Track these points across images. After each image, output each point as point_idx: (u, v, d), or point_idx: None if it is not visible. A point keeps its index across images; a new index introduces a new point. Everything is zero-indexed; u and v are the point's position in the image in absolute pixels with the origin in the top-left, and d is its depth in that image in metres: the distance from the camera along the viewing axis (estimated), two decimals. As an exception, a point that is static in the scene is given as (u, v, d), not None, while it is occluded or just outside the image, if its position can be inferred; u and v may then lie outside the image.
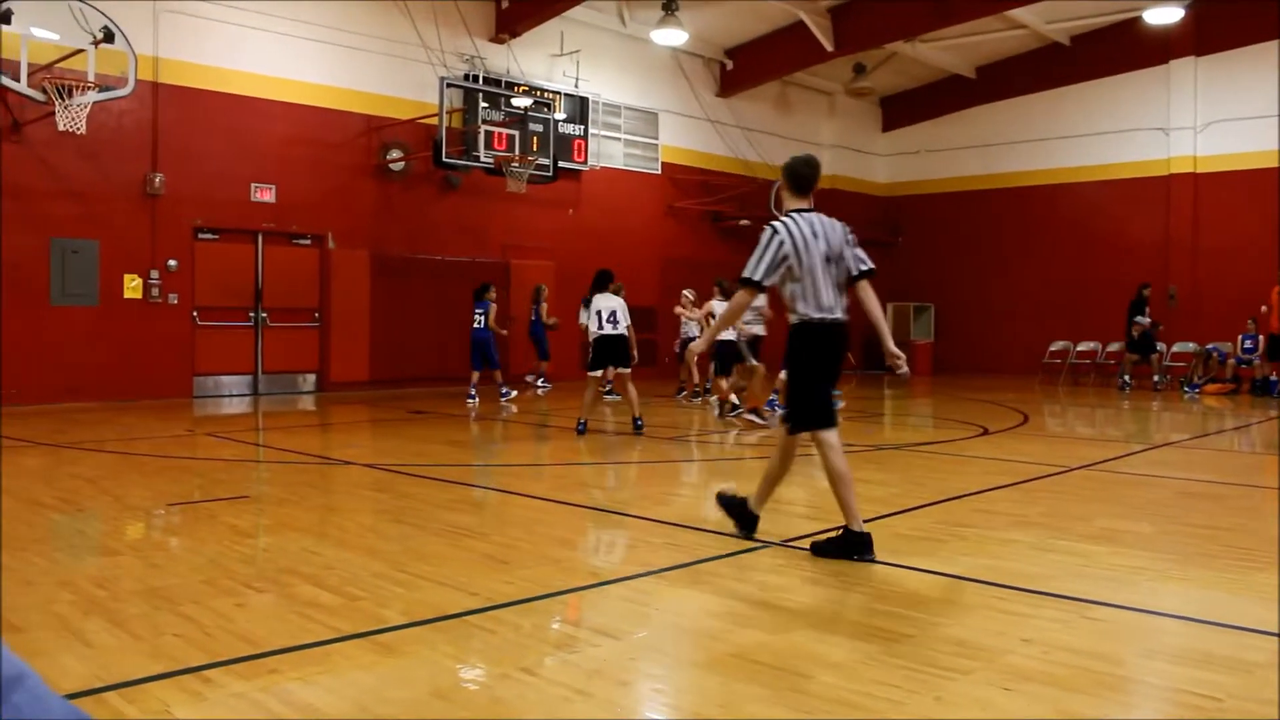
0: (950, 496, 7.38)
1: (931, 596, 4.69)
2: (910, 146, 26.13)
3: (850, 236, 5.68)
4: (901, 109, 26.17)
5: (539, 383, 17.42)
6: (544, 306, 16.85)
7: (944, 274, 25.16)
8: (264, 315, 15.90)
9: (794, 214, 5.59)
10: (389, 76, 16.99)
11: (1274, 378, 18.16)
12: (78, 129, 12.78)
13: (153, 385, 14.60)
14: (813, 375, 5.59)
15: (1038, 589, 4.81)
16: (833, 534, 5.49)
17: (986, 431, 12.02)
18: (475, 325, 14.94)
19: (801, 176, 5.80)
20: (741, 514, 5.79)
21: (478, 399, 14.78)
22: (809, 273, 5.43)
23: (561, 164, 18.55)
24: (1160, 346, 19.83)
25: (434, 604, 4.42)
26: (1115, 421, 14.05)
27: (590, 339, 11.49)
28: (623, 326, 11.35)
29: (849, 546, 5.34)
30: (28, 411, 12.76)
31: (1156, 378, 19.48)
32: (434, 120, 16.53)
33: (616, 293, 11.74)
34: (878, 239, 25.79)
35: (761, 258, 5.44)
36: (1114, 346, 20.89)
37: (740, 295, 5.56)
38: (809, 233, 5.47)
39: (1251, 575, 5.22)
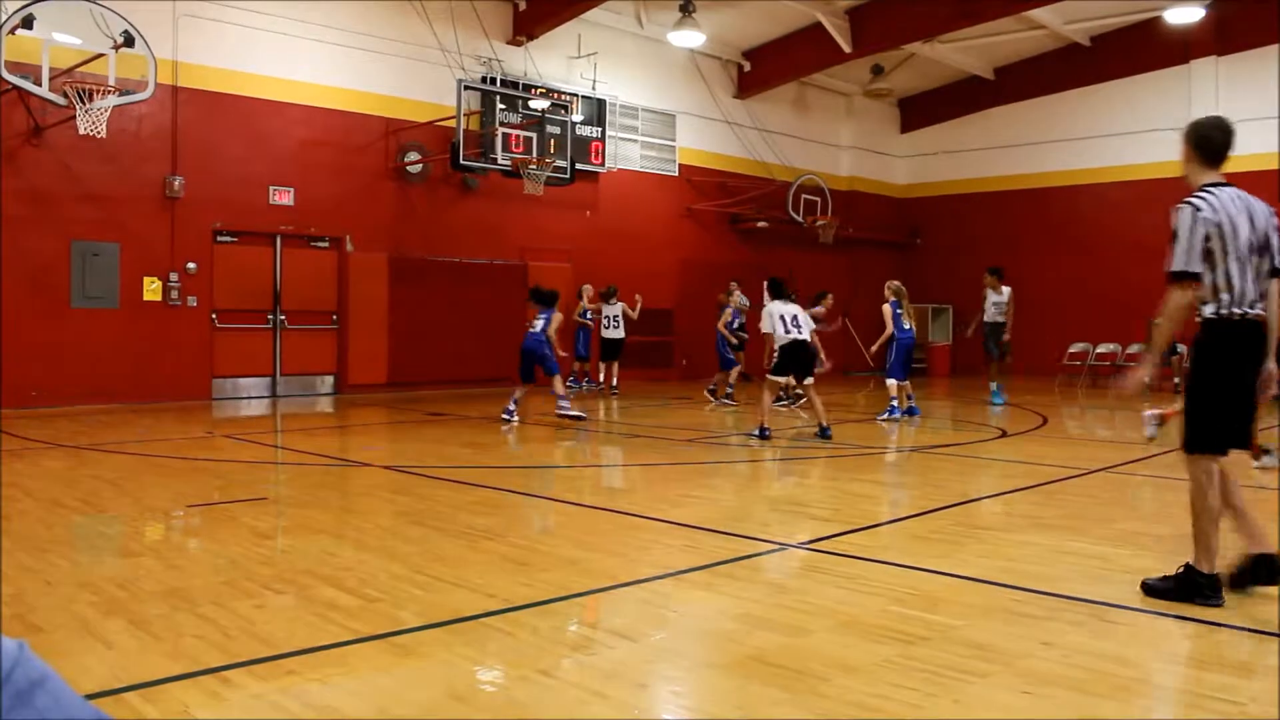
0: (969, 499, 7.36)
1: (949, 599, 4.67)
2: (929, 148, 26.03)
3: (1275, 221, 4.75)
4: (920, 110, 26.08)
5: (585, 384, 17.88)
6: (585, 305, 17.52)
7: (962, 275, 24.97)
8: (282, 318, 15.96)
9: (1210, 189, 4.65)
10: (407, 79, 17.04)
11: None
12: (98, 133, 12.86)
13: (172, 387, 14.68)
14: (1227, 382, 4.68)
15: (1056, 592, 4.79)
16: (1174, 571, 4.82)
17: (1005, 434, 11.97)
18: (531, 330, 12.89)
19: (1213, 143, 4.77)
20: (1191, 586, 4.67)
21: (516, 418, 12.62)
22: (1233, 259, 4.56)
23: (579, 166, 18.55)
24: (1180, 348, 19.69)
25: (452, 606, 4.42)
26: (1135, 424, 13.95)
27: (776, 345, 11.13)
28: (806, 331, 11.09)
29: (1190, 588, 4.64)
30: (49, 413, 12.85)
31: (1176, 380, 19.33)
32: (452, 123, 16.56)
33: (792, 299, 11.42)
34: (896, 240, 25.77)
35: (1189, 244, 4.53)
36: (1134, 348, 20.76)
37: (1175, 295, 4.61)
38: (1234, 211, 4.58)
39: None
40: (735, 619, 4.33)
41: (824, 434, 10.86)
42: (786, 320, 11.05)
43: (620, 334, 17.52)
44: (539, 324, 12.80)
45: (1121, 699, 3.49)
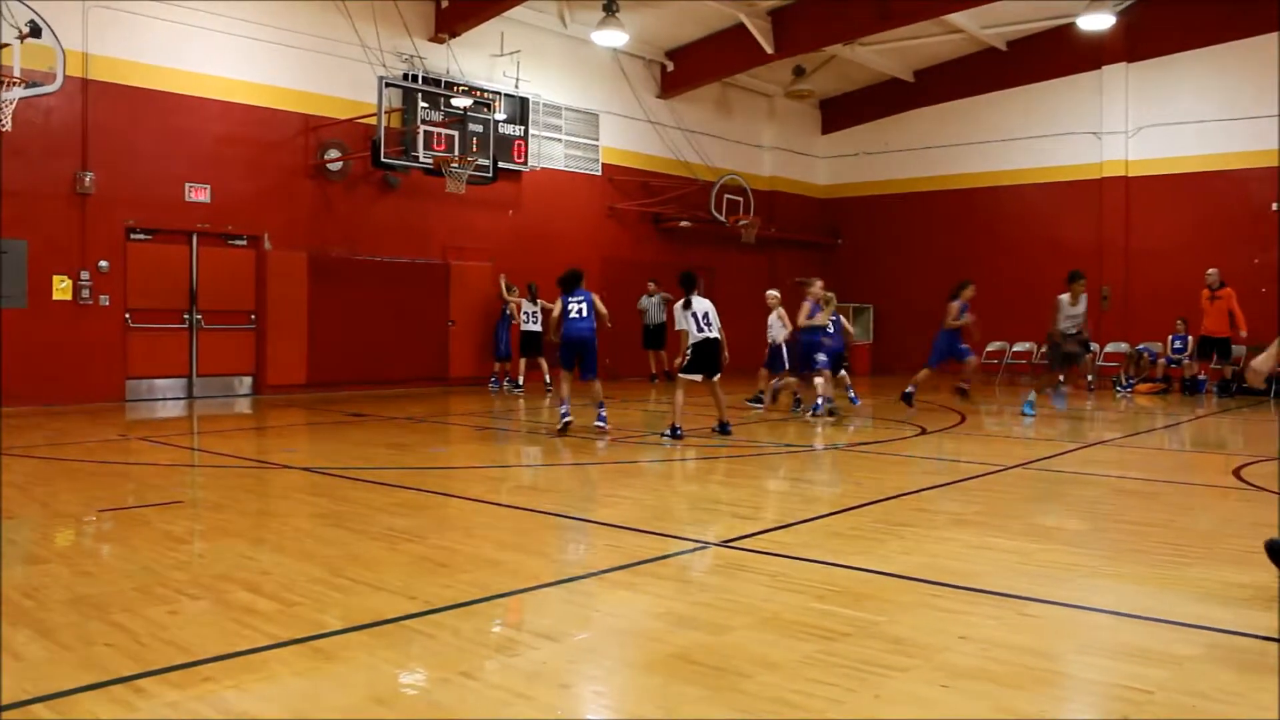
0: (889, 496, 7.45)
1: (870, 595, 4.73)
2: (850, 149, 26.35)
3: None
4: (841, 111, 26.40)
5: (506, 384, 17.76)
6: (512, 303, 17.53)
7: (883, 275, 25.41)
8: (199, 317, 15.64)
9: None
10: (327, 76, 16.80)
11: (1202, 377, 18.56)
12: (2, 125, 12.49)
13: (84, 389, 14.31)
14: None
15: (974, 586, 4.87)
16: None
17: (925, 431, 12.15)
18: (576, 316, 11.44)
19: None
20: None
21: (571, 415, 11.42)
22: None
23: (501, 165, 18.46)
24: (1094, 347, 20.19)
25: (372, 609, 4.37)
26: (1050, 421, 14.27)
27: (690, 343, 11.07)
28: (716, 329, 11.03)
29: None
30: (-47, 416, 12.45)
31: (1089, 378, 19.84)
32: (373, 120, 16.38)
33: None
34: (817, 240, 26.03)
35: None
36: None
37: None
38: None
39: (1182, 570, 5.32)
40: (658, 618, 4.33)
41: (724, 430, 11.09)
42: (699, 318, 11.04)
43: (537, 328, 17.40)
44: (580, 308, 11.38)
45: (1037, 690, 3.56)
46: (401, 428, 12.21)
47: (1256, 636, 4.18)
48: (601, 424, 11.28)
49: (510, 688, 3.48)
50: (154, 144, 14.95)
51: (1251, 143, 20.51)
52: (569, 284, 11.62)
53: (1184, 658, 3.89)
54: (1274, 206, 20.32)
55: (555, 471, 9.15)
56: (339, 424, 12.65)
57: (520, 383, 17.79)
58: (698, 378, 11.06)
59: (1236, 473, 8.90)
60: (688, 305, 11.13)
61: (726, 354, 11.30)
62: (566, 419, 11.10)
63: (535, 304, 17.37)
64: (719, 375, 11.27)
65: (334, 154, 16.88)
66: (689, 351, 11.12)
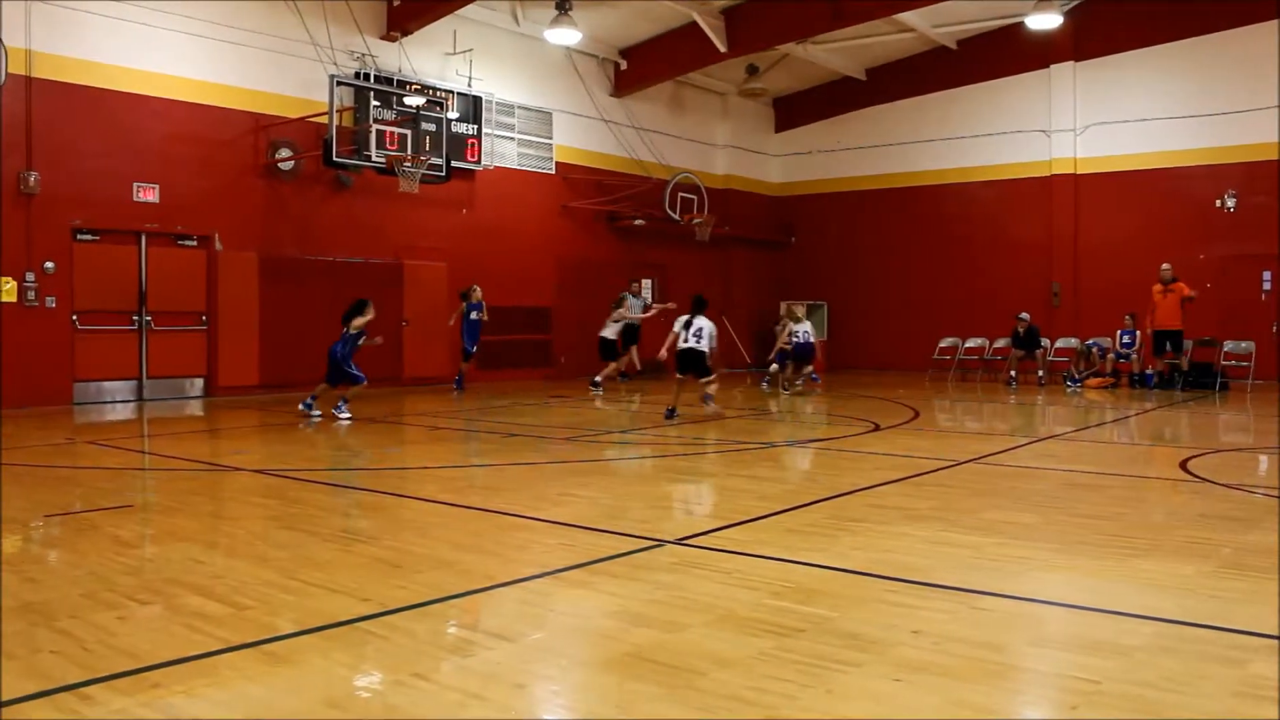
0: (842, 492, 7.49)
1: (824, 591, 4.76)
2: (803, 147, 26.49)
3: None
4: (794, 110, 26.53)
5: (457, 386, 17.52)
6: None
7: (836, 273, 25.57)
8: (148, 319, 15.43)
9: None
10: (277, 74, 16.64)
11: (1150, 371, 18.85)
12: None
13: (30, 393, 14.07)
14: None
15: (927, 581, 4.92)
16: None
17: (878, 427, 12.24)
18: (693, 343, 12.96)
19: None
20: None
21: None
22: None
23: (455, 164, 18.38)
24: (1044, 342, 20.46)
25: (325, 611, 4.33)
26: (1002, 416, 14.43)
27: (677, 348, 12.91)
28: (706, 342, 12.82)
29: None
30: (-105, 421, 12.20)
31: (1040, 373, 20.09)
32: (324, 119, 16.24)
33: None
34: (771, 239, 26.15)
35: None
36: (1001, 343, 21.45)
37: None
38: None
39: (1131, 562, 5.41)
40: (613, 616, 4.34)
41: (670, 415, 12.69)
42: (689, 330, 12.83)
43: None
44: (701, 328, 12.93)
45: (989, 683, 3.60)
46: (355, 429, 12.12)
47: (1202, 626, 4.26)
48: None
49: (465, 689, 3.46)
50: (100, 143, 14.74)
51: (1196, 140, 20.88)
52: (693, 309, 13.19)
53: (1131, 648, 3.95)
54: (1217, 203, 20.68)
55: (510, 471, 9.11)
56: (292, 425, 12.53)
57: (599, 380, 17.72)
58: (679, 376, 13.13)
59: (1183, 465, 9.05)
60: (688, 324, 12.92)
61: (709, 363, 13.05)
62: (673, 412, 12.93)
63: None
64: (703, 376, 12.91)
65: (285, 153, 16.72)
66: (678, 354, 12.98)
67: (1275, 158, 19.96)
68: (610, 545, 5.68)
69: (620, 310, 18.58)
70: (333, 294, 17.00)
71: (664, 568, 5.20)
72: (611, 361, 18.03)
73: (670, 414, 12.74)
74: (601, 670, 3.75)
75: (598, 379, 17.37)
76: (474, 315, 17.23)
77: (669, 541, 5.74)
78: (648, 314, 19.37)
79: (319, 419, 12.80)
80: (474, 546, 5.81)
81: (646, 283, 21.07)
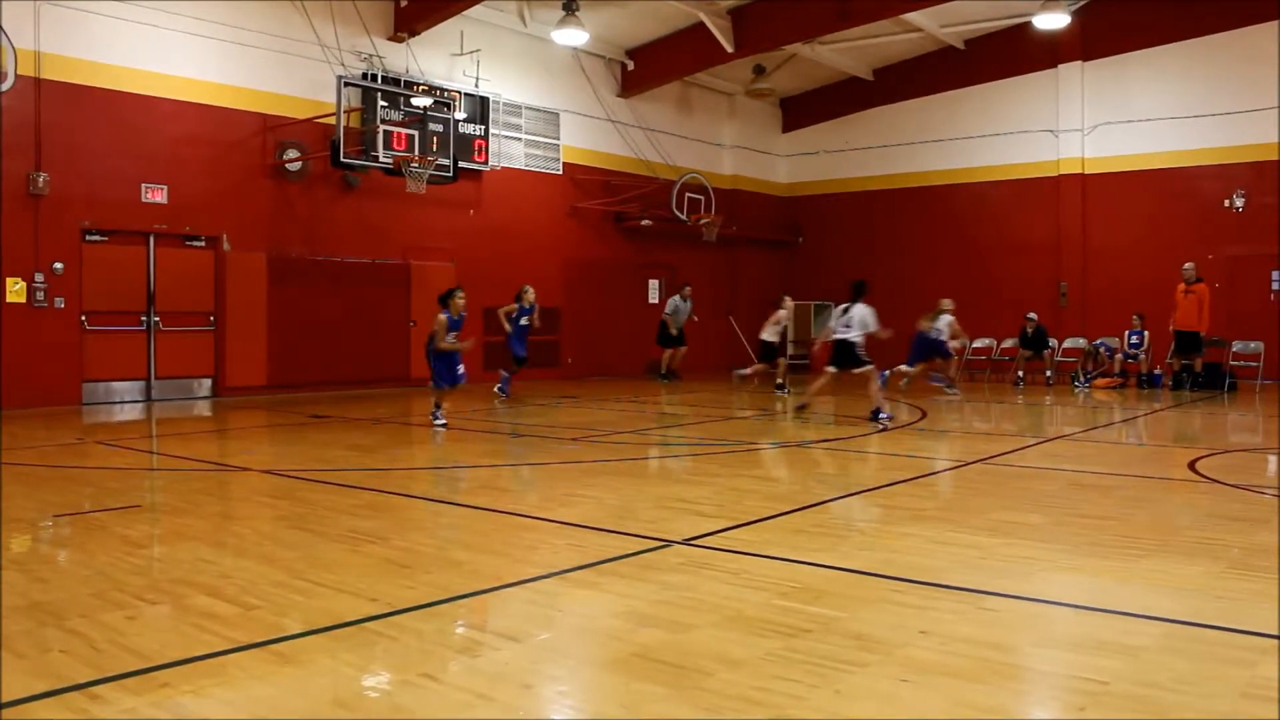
0: (850, 492, 7.49)
1: (831, 591, 4.76)
2: (810, 147, 26.46)
3: None
4: (801, 110, 26.50)
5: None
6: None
7: (844, 273, 25.40)
8: (156, 319, 15.48)
9: None
10: (285, 75, 16.67)
11: (1158, 371, 18.80)
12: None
13: (40, 393, 14.12)
14: None
15: (934, 581, 4.91)
16: None
17: (886, 428, 12.22)
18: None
19: None
20: None
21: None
22: None
23: (462, 164, 18.40)
24: (1052, 343, 20.44)
25: (334, 611, 4.34)
26: (1010, 416, 14.41)
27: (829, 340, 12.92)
28: (854, 332, 12.61)
29: None
30: (-95, 421, 12.24)
31: (1048, 373, 20.05)
32: (331, 120, 16.27)
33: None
34: (779, 239, 26.13)
35: None
36: (1009, 343, 21.42)
37: None
38: None
39: (1138, 562, 5.40)
40: (620, 617, 4.34)
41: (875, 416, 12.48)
42: (839, 321, 12.76)
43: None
44: (852, 316, 12.84)
45: (996, 683, 3.59)
46: (363, 429, 12.14)
47: (1209, 626, 4.25)
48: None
49: (473, 689, 3.47)
50: (109, 144, 14.78)
51: (1204, 140, 20.81)
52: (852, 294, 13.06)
53: (1139, 648, 3.95)
54: (1225, 203, 20.62)
55: (517, 471, 9.13)
56: (300, 425, 12.56)
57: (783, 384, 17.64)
58: (832, 370, 13.15)
59: (1191, 466, 9.03)
60: (845, 312, 12.75)
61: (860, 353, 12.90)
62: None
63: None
64: (857, 368, 12.81)
65: (293, 154, 16.75)
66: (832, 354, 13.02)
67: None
68: (618, 546, 5.69)
69: (781, 313, 17.92)
70: (340, 294, 17.09)
71: (671, 568, 5.20)
72: (777, 361, 17.90)
73: (875, 414, 12.49)
74: (608, 670, 3.75)
75: (780, 380, 17.52)
76: (524, 320, 16.20)
77: (676, 542, 5.75)
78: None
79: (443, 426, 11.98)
80: (482, 547, 5.82)
81: (688, 288, 21.00)
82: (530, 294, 16.37)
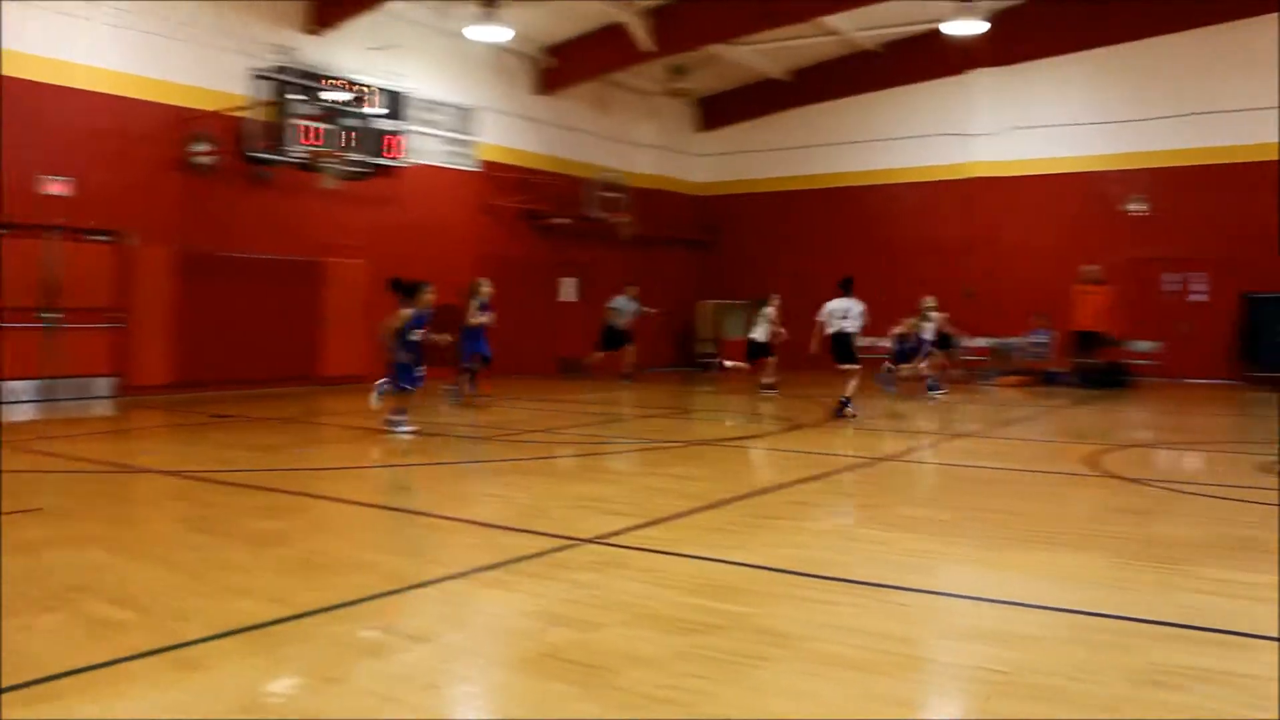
0: (761, 490, 7.56)
1: (741, 588, 4.80)
2: (727, 147, 26.64)
3: None
4: (719, 110, 26.65)
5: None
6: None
7: (760, 272, 25.71)
8: (57, 316, 15.03)
9: None
10: (196, 66, 16.28)
11: (1062, 370, 19.27)
12: None
13: (-67, 391, 13.63)
14: None
15: (842, 576, 4.99)
16: None
17: (799, 426, 12.35)
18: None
19: None
20: None
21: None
22: None
23: (377, 160, 18.15)
24: (959, 342, 20.81)
25: (238, 615, 4.26)
26: (919, 414, 14.66)
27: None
28: (852, 325, 12.87)
29: None
30: None
31: (956, 372, 20.42)
32: (243, 113, 15.95)
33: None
34: (695, 238, 26.25)
35: None
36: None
37: None
38: None
39: (1041, 555, 5.54)
40: (530, 616, 4.33)
41: (844, 407, 12.76)
42: (836, 315, 13.07)
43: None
44: (848, 310, 13.25)
45: (902, 675, 3.67)
46: (271, 428, 11.94)
47: (1106, 616, 4.38)
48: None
49: (380, 691, 3.43)
50: (8, 134, 14.30)
51: (1108, 146, 21.44)
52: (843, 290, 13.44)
53: (1039, 638, 4.06)
54: (1126, 207, 21.23)
55: (429, 471, 9.05)
56: (205, 425, 12.30)
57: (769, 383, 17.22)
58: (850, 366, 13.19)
59: (1091, 460, 9.27)
60: (837, 308, 13.06)
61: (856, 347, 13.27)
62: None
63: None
64: (846, 364, 13.10)
65: (203, 147, 16.37)
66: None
67: (1182, 164, 20.59)
68: (529, 545, 5.67)
69: (768, 309, 17.55)
70: (250, 292, 16.77)
71: (583, 567, 5.20)
72: (767, 359, 17.52)
73: (843, 406, 12.76)
74: (518, 670, 3.74)
75: (764, 381, 17.08)
76: (482, 317, 15.20)
77: (588, 540, 5.75)
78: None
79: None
80: (391, 547, 5.76)
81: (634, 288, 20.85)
82: (487, 287, 15.44)
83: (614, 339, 19.90)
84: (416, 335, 10.90)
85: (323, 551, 5.56)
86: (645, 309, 20.96)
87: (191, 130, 16.24)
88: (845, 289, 13.22)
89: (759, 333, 17.21)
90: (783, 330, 17.18)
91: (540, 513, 6.81)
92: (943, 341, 17.45)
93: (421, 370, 11.05)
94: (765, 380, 16.92)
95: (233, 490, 7.54)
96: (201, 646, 3.87)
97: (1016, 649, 3.92)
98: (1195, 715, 3.30)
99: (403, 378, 10.78)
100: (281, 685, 3.56)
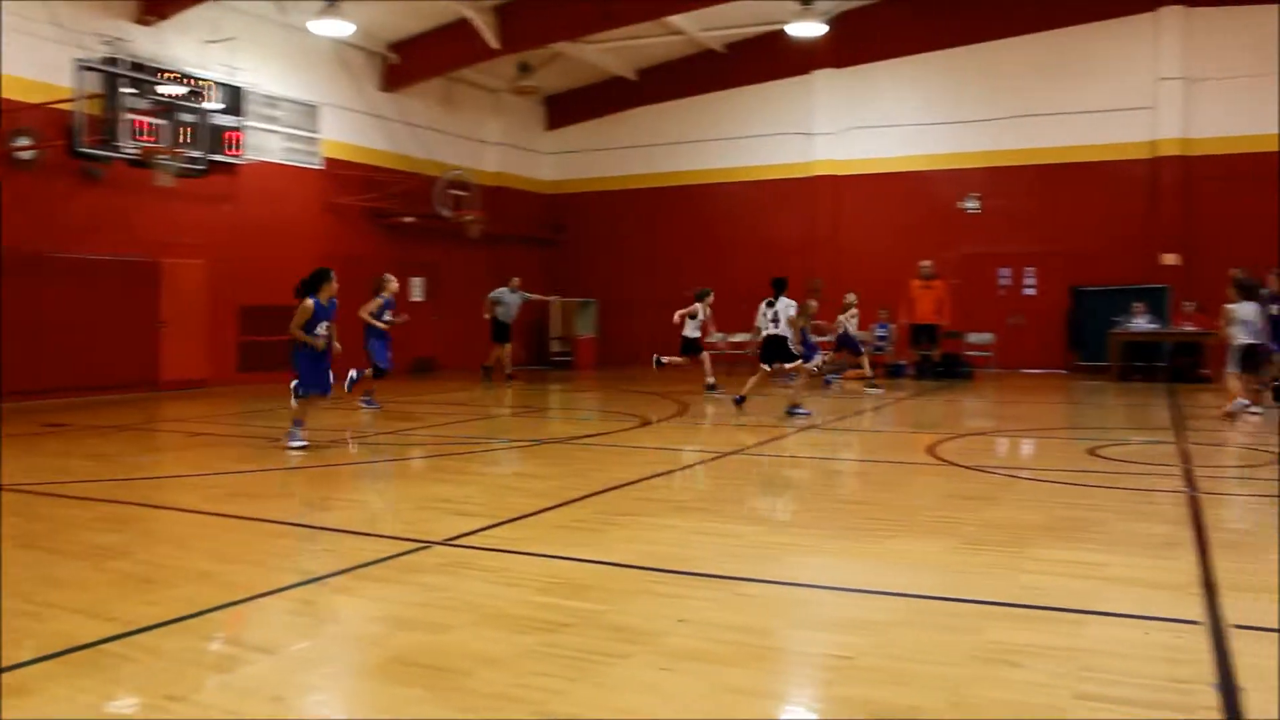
0: (611, 486, 7.60)
1: (592, 585, 4.82)
2: (574, 145, 26.68)
3: None
4: (566, 108, 26.67)
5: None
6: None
7: (607, 270, 25.88)
8: None
9: None
10: (16, 56, 15.42)
11: (903, 362, 19.92)
12: None
13: None
14: None
15: (693, 570, 5.05)
16: None
17: (647, 422, 12.46)
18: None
19: None
20: None
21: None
22: None
23: (215, 157, 17.56)
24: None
25: (69, 634, 4.07)
26: (767, 407, 14.93)
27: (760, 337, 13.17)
28: (782, 327, 12.95)
29: None
30: None
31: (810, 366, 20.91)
32: (69, 106, 15.23)
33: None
34: (542, 236, 26.22)
35: None
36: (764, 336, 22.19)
37: None
38: None
39: (884, 542, 5.72)
40: (378, 621, 4.27)
41: (740, 402, 13.16)
42: (768, 317, 13.03)
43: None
44: (778, 312, 13.12)
45: (752, 665, 3.74)
46: (108, 437, 11.45)
47: (945, 599, 4.56)
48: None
49: (225, 706, 3.34)
50: None
51: (943, 146, 22.27)
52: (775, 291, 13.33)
53: (882, 623, 4.20)
54: (961, 205, 22.10)
55: (275, 476, 8.81)
56: (37, 436, 11.69)
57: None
58: (766, 367, 13.29)
59: (931, 450, 9.61)
60: (770, 307, 13.04)
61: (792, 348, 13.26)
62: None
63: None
64: (789, 362, 13.15)
65: (24, 142, 15.55)
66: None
67: (1011, 164, 21.55)
68: (376, 549, 5.59)
69: (696, 306, 16.97)
70: (82, 294, 16.02)
71: (431, 569, 5.15)
72: (699, 356, 16.92)
73: (739, 401, 13.17)
74: (366, 676, 3.69)
75: (711, 381, 16.46)
76: (388, 316, 14.14)
77: (436, 543, 5.69)
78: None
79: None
80: (235, 557, 5.60)
81: (517, 280, 20.35)
82: (393, 284, 14.44)
83: (502, 333, 19.49)
84: (323, 330, 10.35)
85: (161, 564, 5.36)
86: (534, 297, 20.64)
87: (12, 124, 15.40)
88: (777, 290, 13.22)
89: (691, 329, 17.14)
90: (713, 327, 17.28)
91: (388, 516, 6.72)
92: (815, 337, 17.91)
93: (330, 374, 10.46)
94: (708, 381, 16.76)
95: (66, 503, 7.21)
96: (30, 670, 3.69)
97: (859, 634, 4.04)
98: (1034, 689, 3.46)
99: (310, 382, 10.18)
100: (120, 706, 3.42)
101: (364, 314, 14.00)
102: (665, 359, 17.17)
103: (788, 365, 13.21)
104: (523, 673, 3.60)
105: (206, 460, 9.96)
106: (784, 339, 13.00)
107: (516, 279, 20.00)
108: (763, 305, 13.18)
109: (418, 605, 4.48)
